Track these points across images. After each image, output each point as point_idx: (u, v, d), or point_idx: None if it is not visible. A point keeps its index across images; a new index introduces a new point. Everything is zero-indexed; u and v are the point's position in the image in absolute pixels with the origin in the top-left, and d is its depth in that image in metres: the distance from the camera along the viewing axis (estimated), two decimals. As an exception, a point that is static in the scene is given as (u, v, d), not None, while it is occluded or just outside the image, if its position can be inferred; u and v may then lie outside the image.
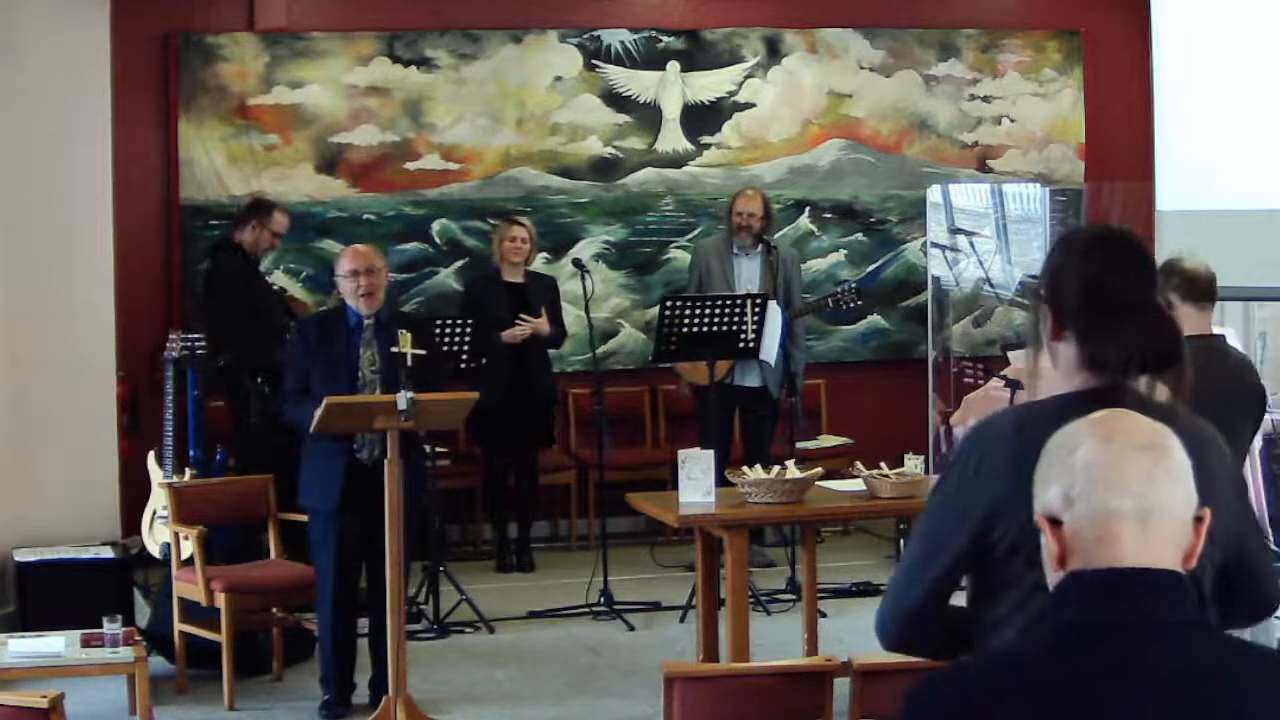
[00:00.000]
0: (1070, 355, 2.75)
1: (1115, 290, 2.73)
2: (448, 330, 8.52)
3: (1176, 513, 2.06)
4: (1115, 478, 2.04)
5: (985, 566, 2.71)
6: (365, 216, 9.89)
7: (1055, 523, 2.08)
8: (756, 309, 8.38)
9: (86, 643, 6.44)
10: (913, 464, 6.98)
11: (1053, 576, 2.09)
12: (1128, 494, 2.04)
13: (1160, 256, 3.99)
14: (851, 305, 9.38)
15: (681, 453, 6.72)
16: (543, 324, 9.08)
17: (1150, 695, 1.98)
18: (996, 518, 2.64)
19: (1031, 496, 2.13)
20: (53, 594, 7.68)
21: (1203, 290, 5.09)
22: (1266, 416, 5.36)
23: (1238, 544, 2.73)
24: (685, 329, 8.38)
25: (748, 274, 9.12)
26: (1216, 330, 5.38)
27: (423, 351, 6.51)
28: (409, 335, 6.45)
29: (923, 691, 2.06)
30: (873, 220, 10.60)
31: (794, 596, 8.22)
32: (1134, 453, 2.06)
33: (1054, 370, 2.79)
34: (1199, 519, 2.09)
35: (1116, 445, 2.06)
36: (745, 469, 6.73)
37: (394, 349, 6.46)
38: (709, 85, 10.35)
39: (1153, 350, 2.70)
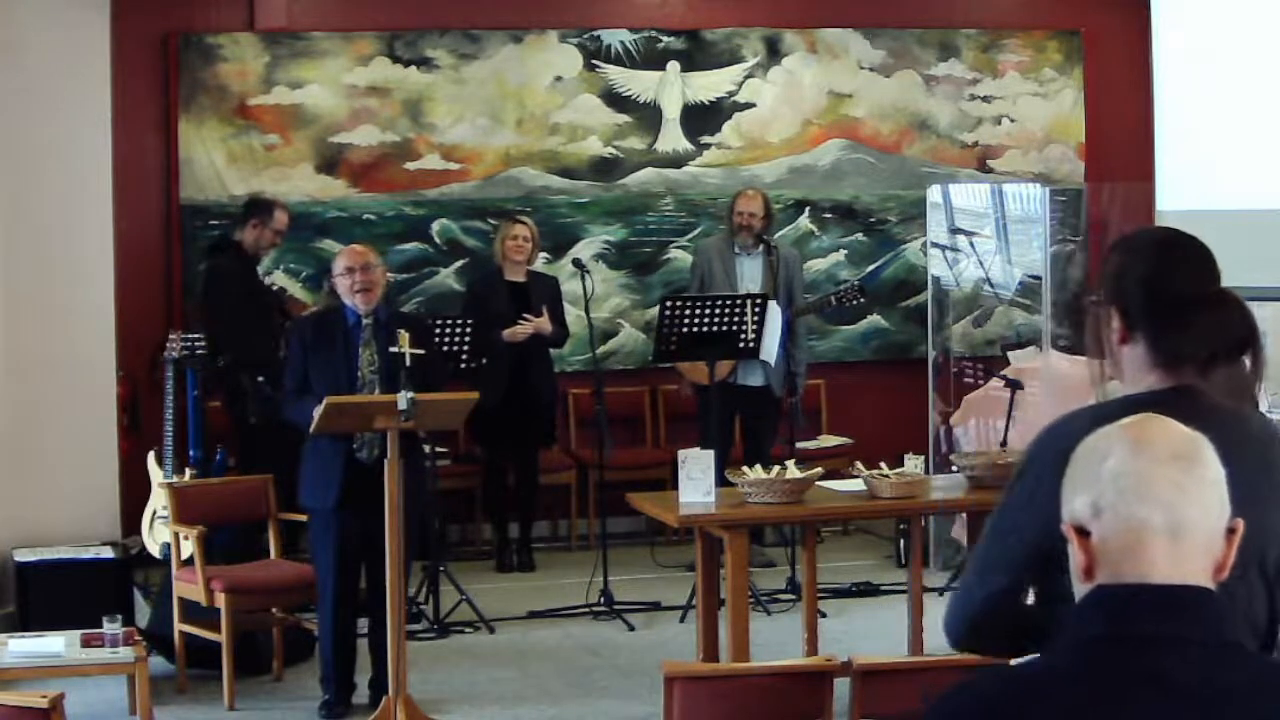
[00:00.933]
0: (1140, 357, 2.69)
1: (1183, 286, 2.69)
2: (448, 330, 8.52)
3: (1208, 525, 1.97)
4: (1144, 488, 1.96)
5: (1056, 574, 2.59)
6: (365, 216, 9.89)
7: (1083, 533, 2.00)
8: (756, 309, 8.38)
9: (86, 643, 6.43)
10: (913, 464, 6.99)
11: (1079, 588, 2.02)
12: (1158, 506, 1.95)
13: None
14: (855, 303, 9.39)
15: (681, 453, 6.71)
16: (544, 323, 9.06)
17: (1178, 715, 1.91)
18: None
19: None
20: (53, 594, 7.68)
21: None
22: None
23: None
24: (685, 329, 8.38)
25: (749, 274, 9.11)
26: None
27: (421, 351, 6.51)
28: (407, 335, 6.45)
29: (946, 701, 2.00)
30: (873, 220, 10.59)
31: (794, 596, 8.21)
32: (1164, 462, 1.97)
33: (1118, 379, 2.72)
34: (1232, 530, 2.00)
35: (1147, 455, 1.97)
36: (745, 469, 6.72)
37: (393, 349, 6.47)
38: (709, 85, 10.34)
39: (1234, 342, 2.66)
